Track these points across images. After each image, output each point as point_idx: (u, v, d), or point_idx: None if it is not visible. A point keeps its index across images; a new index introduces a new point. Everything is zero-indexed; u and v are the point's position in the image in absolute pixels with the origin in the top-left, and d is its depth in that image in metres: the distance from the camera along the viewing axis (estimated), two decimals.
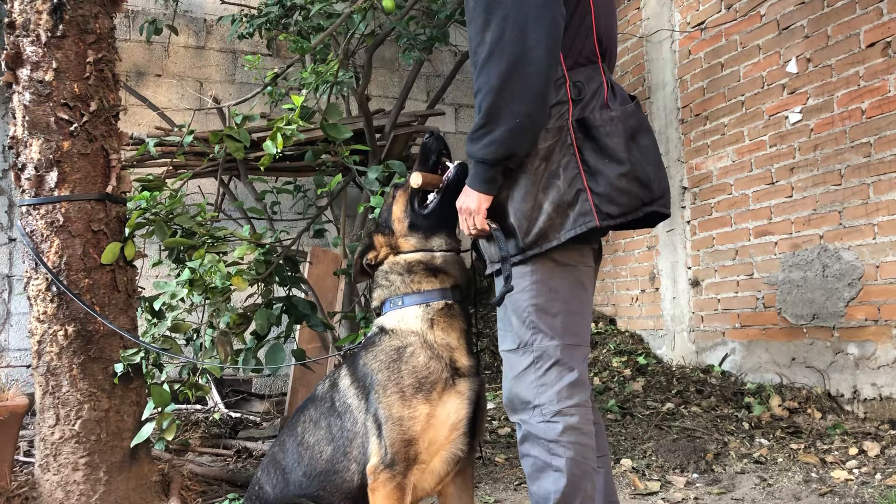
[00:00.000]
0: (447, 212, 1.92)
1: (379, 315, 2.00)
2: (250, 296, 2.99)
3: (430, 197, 1.98)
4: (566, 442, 1.69)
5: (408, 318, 1.90)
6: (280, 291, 3.08)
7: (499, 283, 1.79)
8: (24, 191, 2.65)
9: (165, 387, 2.60)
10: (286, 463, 1.99)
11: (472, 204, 1.75)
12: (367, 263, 2.05)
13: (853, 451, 3.44)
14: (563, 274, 1.76)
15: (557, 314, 1.74)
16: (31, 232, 2.62)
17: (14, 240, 5.34)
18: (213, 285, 2.64)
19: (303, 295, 3.31)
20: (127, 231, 2.74)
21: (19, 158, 2.66)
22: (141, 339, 2.69)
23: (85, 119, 2.65)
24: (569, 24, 1.73)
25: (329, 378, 2.05)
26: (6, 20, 2.66)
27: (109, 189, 2.69)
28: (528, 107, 1.64)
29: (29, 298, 2.67)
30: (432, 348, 1.85)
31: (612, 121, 1.74)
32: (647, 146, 1.79)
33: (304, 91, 3.15)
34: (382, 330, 1.94)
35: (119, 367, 2.63)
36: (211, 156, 3.92)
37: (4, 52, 2.65)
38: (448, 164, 2.00)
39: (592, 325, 5.73)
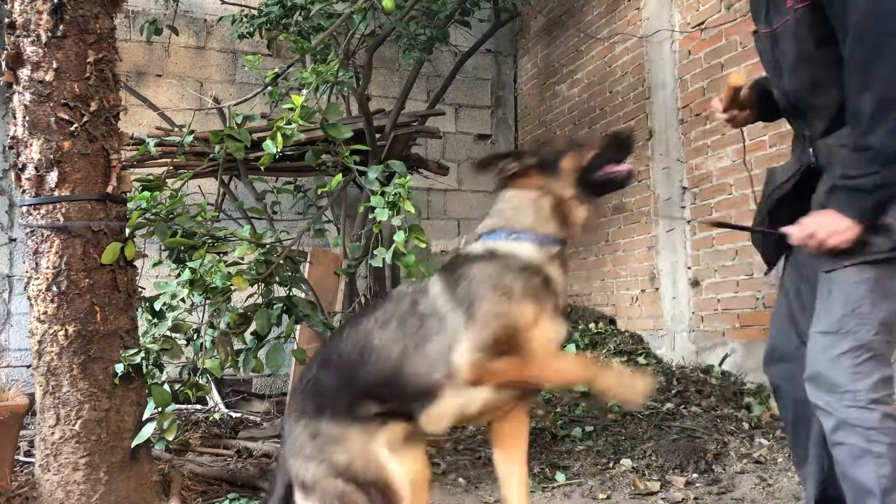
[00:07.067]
0: (605, 191, 1.93)
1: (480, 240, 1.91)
2: (250, 296, 2.99)
3: (598, 175, 1.90)
4: (885, 429, 1.75)
5: (527, 249, 1.82)
6: (280, 291, 3.08)
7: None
8: (24, 191, 2.65)
9: (166, 387, 2.61)
10: (342, 364, 1.86)
11: (836, 232, 1.81)
12: (504, 173, 1.91)
13: None
14: None
15: (888, 312, 1.81)
16: (32, 232, 2.62)
17: (14, 240, 5.35)
18: (213, 285, 2.64)
19: (303, 295, 3.31)
20: (127, 231, 2.74)
21: (20, 158, 2.66)
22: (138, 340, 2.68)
23: (85, 119, 2.65)
24: None
25: (398, 291, 1.94)
26: (6, 20, 2.66)
27: (110, 189, 2.69)
28: None
29: (29, 298, 2.67)
30: (549, 282, 1.79)
31: None
32: None
33: (304, 91, 3.14)
34: (494, 253, 1.83)
35: (119, 367, 2.63)
36: (211, 156, 3.91)
37: (5, 52, 2.65)
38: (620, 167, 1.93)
39: (592, 325, 5.73)
